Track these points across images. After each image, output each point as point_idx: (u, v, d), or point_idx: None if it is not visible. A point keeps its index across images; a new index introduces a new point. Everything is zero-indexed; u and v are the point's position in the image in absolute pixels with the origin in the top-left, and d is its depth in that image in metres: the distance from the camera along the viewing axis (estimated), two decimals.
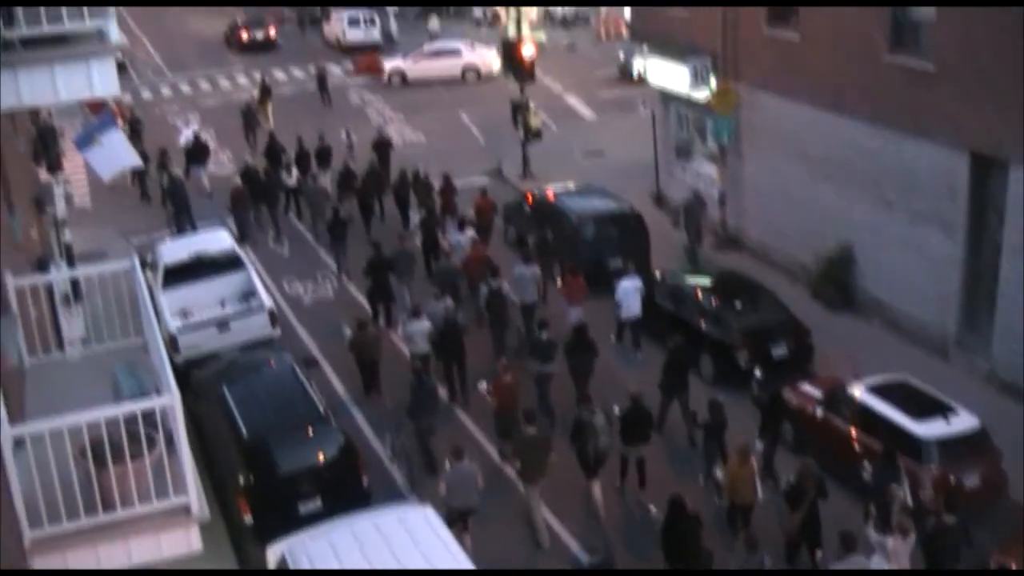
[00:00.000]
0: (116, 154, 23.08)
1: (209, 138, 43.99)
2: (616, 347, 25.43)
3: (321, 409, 19.82)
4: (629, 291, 24.95)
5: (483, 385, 21.81)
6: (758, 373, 21.81)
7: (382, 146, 37.53)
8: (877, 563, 16.23)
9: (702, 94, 30.74)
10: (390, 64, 54.67)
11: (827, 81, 26.31)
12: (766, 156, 29.34)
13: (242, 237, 32.09)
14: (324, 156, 36.94)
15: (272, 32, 69.19)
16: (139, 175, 35.68)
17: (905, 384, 20.11)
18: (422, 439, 21.05)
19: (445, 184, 32.71)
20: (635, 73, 49.18)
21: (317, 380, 22.27)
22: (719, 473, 18.97)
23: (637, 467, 19.95)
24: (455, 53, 54.84)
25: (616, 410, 20.18)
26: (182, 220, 33.63)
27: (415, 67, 54.44)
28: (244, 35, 68.46)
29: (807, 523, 17.36)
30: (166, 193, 34.65)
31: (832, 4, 25.44)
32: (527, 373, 22.50)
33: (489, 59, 54.17)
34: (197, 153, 38.96)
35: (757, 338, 23.26)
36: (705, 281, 25.68)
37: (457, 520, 18.01)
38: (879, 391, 19.74)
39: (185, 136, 40.66)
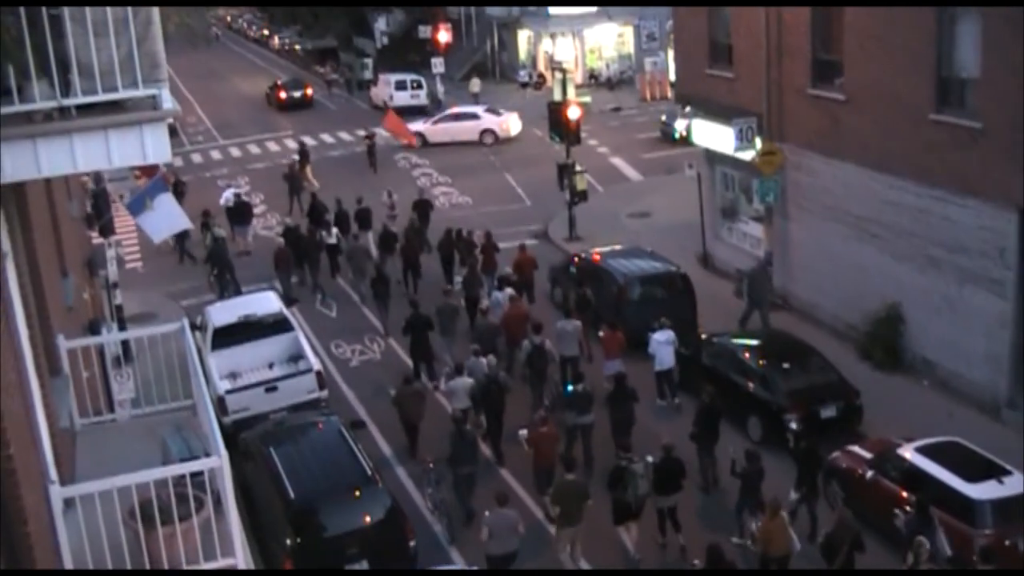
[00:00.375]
0: (167, 217, 23.50)
1: (258, 201, 44.67)
2: (659, 406, 25.41)
3: (368, 471, 19.83)
4: (662, 343, 25.23)
5: (522, 433, 22.01)
6: (793, 425, 22.12)
7: (422, 205, 38.03)
8: None
9: (748, 155, 30.77)
10: (411, 127, 55.07)
11: (872, 140, 26.27)
12: (812, 216, 29.26)
13: (285, 296, 32.15)
14: (364, 217, 37.26)
15: (309, 91, 73.35)
16: (179, 236, 35.95)
17: (957, 445, 19.85)
18: (460, 489, 21.24)
19: (486, 241, 33.05)
20: (677, 135, 49.71)
21: (364, 442, 22.30)
22: (754, 525, 19.02)
23: (670, 514, 20.15)
24: (473, 117, 56.15)
25: (650, 460, 20.28)
26: (224, 280, 33.94)
27: (434, 129, 55.60)
28: (282, 94, 72.68)
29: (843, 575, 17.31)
30: (209, 253, 35.11)
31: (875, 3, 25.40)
32: (563, 425, 22.71)
33: (507, 123, 55.45)
34: (240, 213, 39.52)
35: (805, 399, 23.08)
36: (753, 342, 25.58)
37: (499, 566, 18.37)
38: (930, 453, 19.49)
39: (225, 197, 41.26)
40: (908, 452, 19.69)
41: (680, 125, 50.19)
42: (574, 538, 19.42)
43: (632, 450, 20.33)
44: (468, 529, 20.65)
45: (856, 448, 21.28)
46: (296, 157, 48.27)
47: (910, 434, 21.14)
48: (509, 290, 28.81)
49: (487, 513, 18.81)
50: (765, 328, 28.21)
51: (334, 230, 36.32)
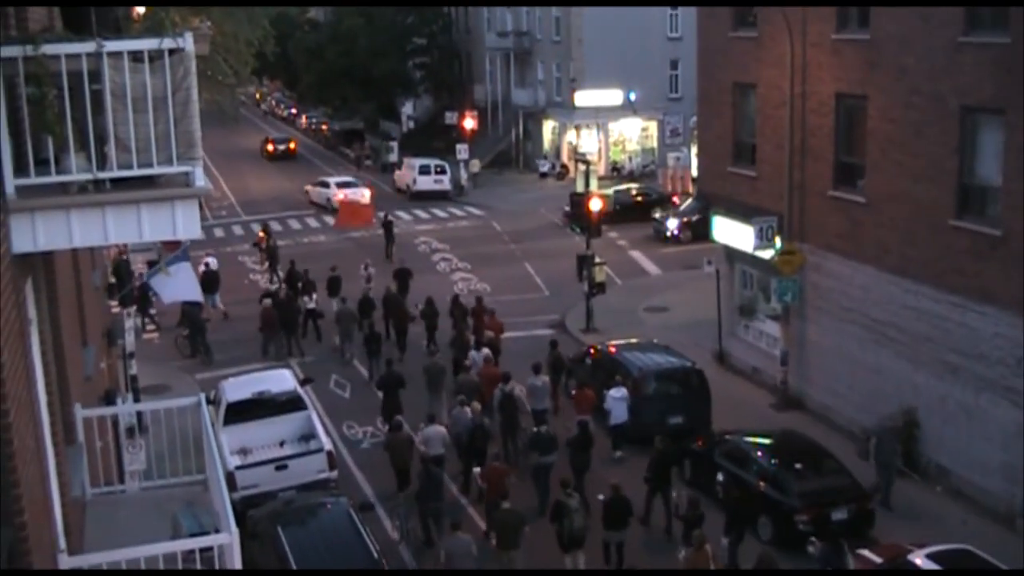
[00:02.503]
0: (181, 285, 23.69)
1: (278, 279, 45.26)
2: (613, 458, 27.20)
3: (375, 555, 19.74)
4: (617, 399, 27.26)
5: (476, 470, 24.51)
6: (720, 477, 23.67)
7: (402, 274, 40.55)
8: None
9: (767, 254, 30.86)
10: (306, 186, 67.73)
11: (892, 244, 26.38)
12: (830, 318, 29.27)
13: (265, 354, 35.43)
14: (334, 284, 39.56)
15: (293, 145, 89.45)
16: (140, 302, 35.37)
17: (969, 554, 19.66)
18: (425, 521, 23.31)
19: (478, 306, 35.57)
20: (668, 233, 50.36)
21: (372, 525, 22.24)
22: (682, 555, 20.89)
23: (616, 550, 22.02)
24: (326, 186, 65.24)
25: (600, 498, 22.40)
26: (195, 341, 36.09)
27: (311, 190, 66.45)
28: (271, 147, 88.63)
29: None
30: (182, 316, 36.74)
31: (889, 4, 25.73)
32: (527, 466, 25.46)
33: (353, 194, 62.22)
34: (209, 282, 40.94)
35: (817, 501, 22.91)
36: (766, 442, 25.45)
37: None
38: (942, 561, 19.31)
39: (203, 265, 42.57)
40: (920, 559, 19.51)
41: (672, 224, 50.60)
42: (514, 561, 21.16)
43: (574, 487, 22.47)
44: (430, 553, 22.86)
45: (867, 553, 21.06)
46: (262, 234, 49.50)
47: (922, 540, 20.95)
48: (486, 351, 31.05)
49: (440, 542, 21.38)
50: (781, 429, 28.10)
51: (314, 295, 38.53)
